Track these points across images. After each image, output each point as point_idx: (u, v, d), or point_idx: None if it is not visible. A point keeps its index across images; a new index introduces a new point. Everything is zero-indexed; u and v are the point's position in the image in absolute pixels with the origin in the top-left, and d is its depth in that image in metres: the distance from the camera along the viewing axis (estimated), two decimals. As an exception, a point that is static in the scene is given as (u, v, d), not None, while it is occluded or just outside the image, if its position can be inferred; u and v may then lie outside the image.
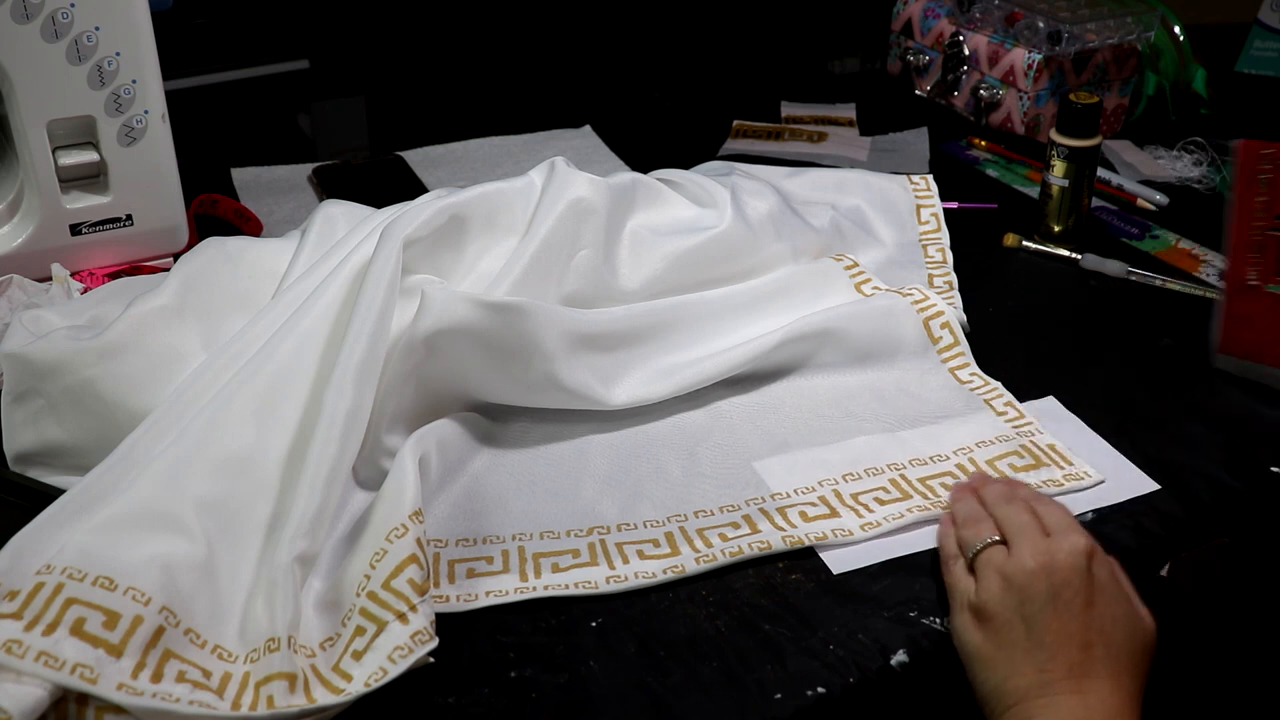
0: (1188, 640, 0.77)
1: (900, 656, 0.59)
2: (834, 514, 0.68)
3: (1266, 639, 0.82)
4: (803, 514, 0.67)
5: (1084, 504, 0.69)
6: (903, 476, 0.70)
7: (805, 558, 0.65)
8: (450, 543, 0.65)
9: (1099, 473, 0.71)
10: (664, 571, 0.63)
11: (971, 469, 0.71)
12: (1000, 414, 0.76)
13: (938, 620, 0.61)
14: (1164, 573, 0.69)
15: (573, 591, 0.62)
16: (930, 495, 0.69)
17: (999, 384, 0.78)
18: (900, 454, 0.72)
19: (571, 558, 0.64)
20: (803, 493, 0.69)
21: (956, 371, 0.80)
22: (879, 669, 0.59)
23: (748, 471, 0.71)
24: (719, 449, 0.73)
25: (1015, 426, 0.75)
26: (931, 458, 0.72)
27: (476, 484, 0.69)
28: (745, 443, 0.73)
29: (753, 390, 0.78)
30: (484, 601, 0.61)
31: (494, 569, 0.63)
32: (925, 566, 0.65)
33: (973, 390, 0.78)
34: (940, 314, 0.81)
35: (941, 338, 0.81)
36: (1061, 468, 0.72)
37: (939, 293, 0.85)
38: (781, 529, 0.66)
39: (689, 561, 0.64)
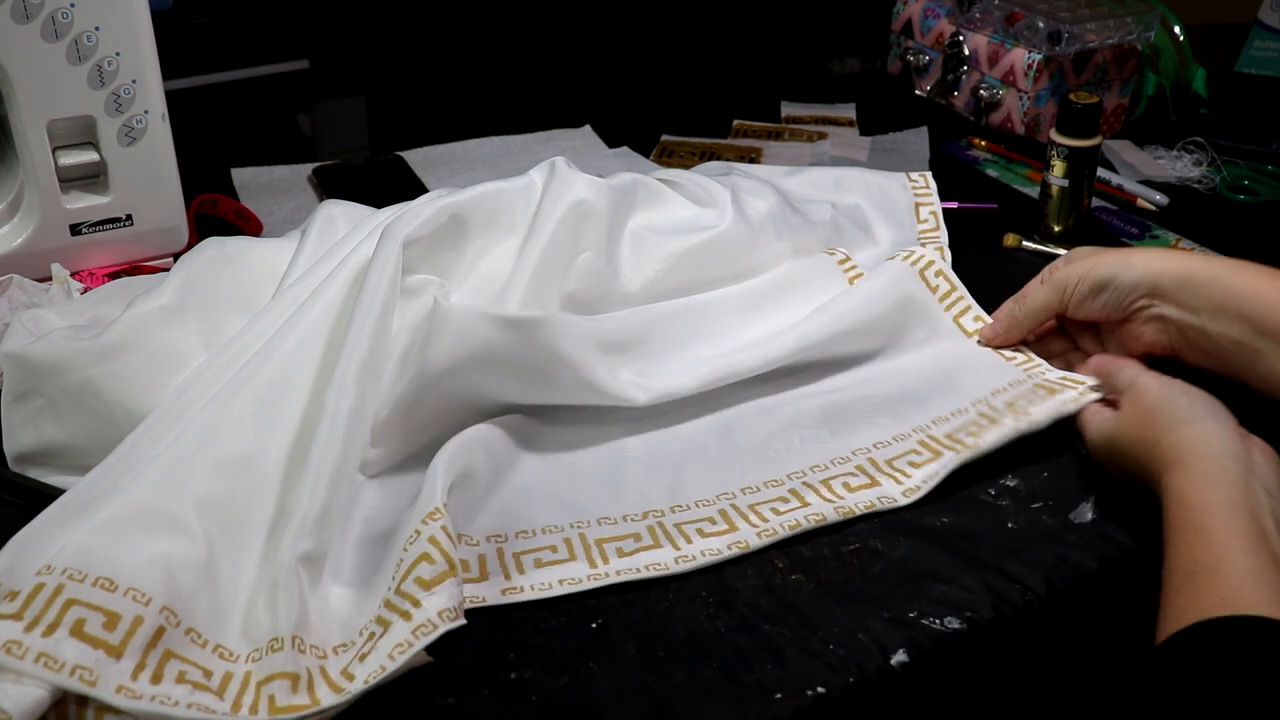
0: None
1: (900, 656, 0.59)
2: (874, 483, 0.69)
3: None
4: (845, 484, 0.69)
5: (1087, 510, 0.69)
6: (930, 437, 0.72)
7: (805, 557, 0.65)
8: (509, 536, 0.65)
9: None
10: (728, 548, 0.64)
11: (992, 413, 0.73)
12: (1009, 359, 0.78)
13: (938, 620, 0.61)
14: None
15: (645, 574, 0.63)
16: (961, 446, 0.71)
17: None
18: (922, 416, 0.74)
19: (634, 541, 0.65)
20: (839, 463, 0.71)
21: (960, 319, 0.81)
22: (879, 669, 0.59)
23: (784, 447, 0.72)
24: (752, 427, 0.74)
25: (1025, 369, 0.77)
26: (952, 413, 0.74)
27: (523, 480, 0.70)
28: (777, 419, 0.74)
29: (774, 376, 0.78)
30: (558, 590, 0.62)
31: (560, 557, 0.64)
32: (925, 567, 0.65)
33: (979, 342, 0.80)
34: (931, 263, 0.82)
35: (939, 286, 0.82)
36: (1073, 388, 0.74)
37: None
38: (830, 500, 0.68)
39: (750, 536, 0.65)
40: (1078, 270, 0.75)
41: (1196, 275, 0.71)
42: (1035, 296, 0.77)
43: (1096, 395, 0.73)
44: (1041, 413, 0.72)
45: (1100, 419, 0.70)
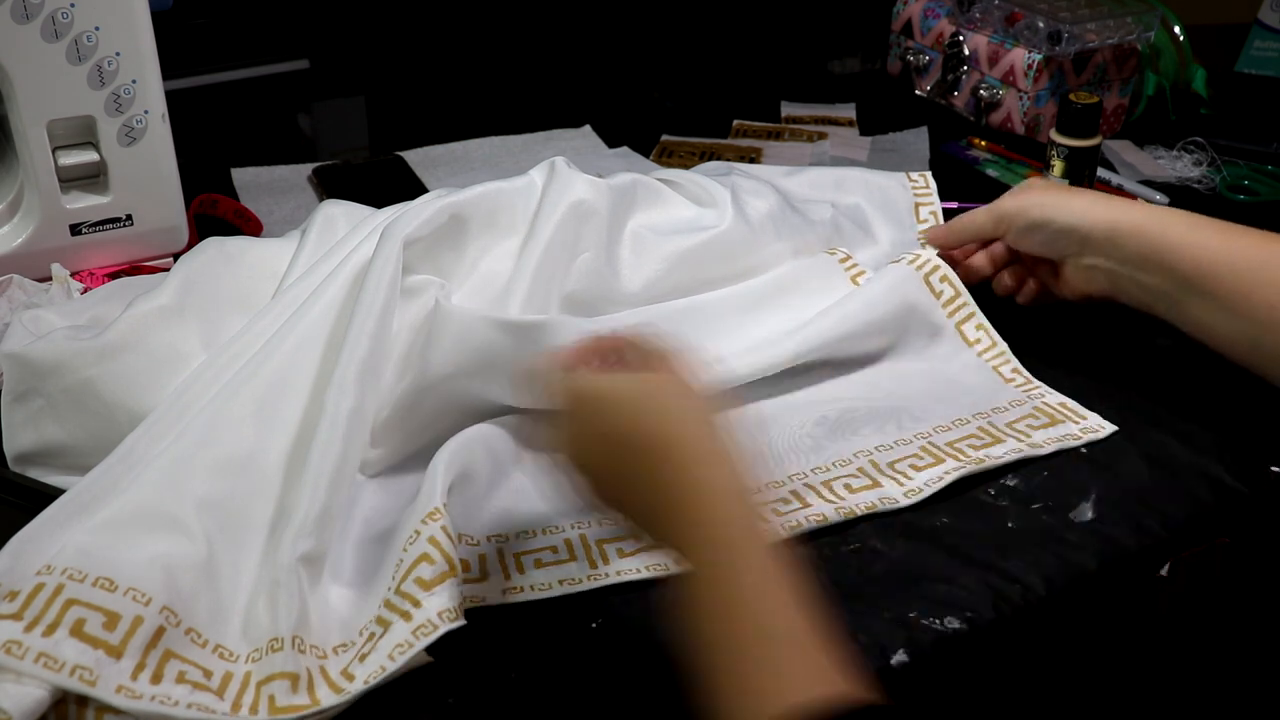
0: (1187, 640, 0.77)
1: (900, 656, 0.59)
2: (876, 484, 0.69)
3: (1266, 639, 0.82)
4: (847, 486, 0.69)
5: (1087, 510, 0.69)
6: (931, 444, 0.73)
7: (805, 557, 0.65)
8: (510, 536, 0.65)
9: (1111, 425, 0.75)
10: None
11: (994, 430, 0.74)
12: (1008, 380, 0.79)
13: (938, 620, 0.61)
14: (1164, 573, 0.69)
15: (645, 575, 0.63)
16: (962, 456, 0.71)
17: (1005, 346, 0.81)
18: (923, 422, 0.75)
19: (634, 541, 0.65)
20: (841, 465, 0.71)
21: (962, 326, 0.82)
22: (879, 669, 0.59)
23: (784, 449, 0.72)
24: (752, 430, 0.73)
25: (1025, 391, 0.78)
26: (954, 422, 0.75)
27: (523, 480, 0.70)
28: (777, 422, 0.75)
29: (776, 378, 0.78)
30: (558, 590, 0.62)
31: (560, 558, 0.64)
32: (925, 567, 0.65)
33: (980, 354, 0.81)
34: (936, 267, 0.82)
35: (943, 291, 0.82)
36: (1076, 423, 0.75)
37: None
38: (831, 501, 0.68)
39: None
40: (1019, 204, 0.77)
41: (1123, 227, 0.73)
42: (975, 216, 0.80)
43: (1100, 435, 0.74)
44: (1044, 439, 0.73)
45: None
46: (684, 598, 0.49)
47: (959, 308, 0.82)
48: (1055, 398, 0.77)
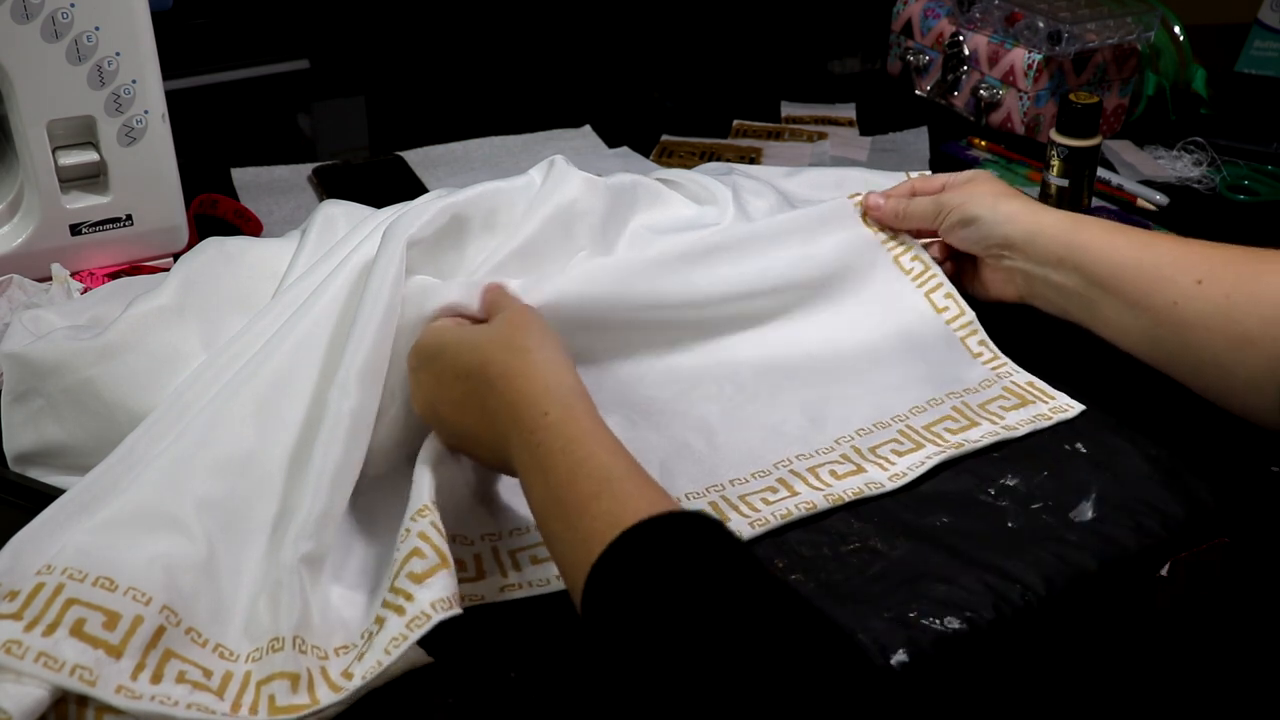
0: (1187, 640, 0.77)
1: (900, 656, 0.59)
2: (860, 470, 0.70)
3: (1266, 639, 0.82)
4: (832, 472, 0.70)
5: (1087, 509, 0.69)
6: (909, 427, 0.74)
7: (805, 557, 0.65)
8: (504, 534, 0.65)
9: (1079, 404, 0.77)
10: None
11: (969, 412, 0.75)
12: (976, 355, 0.80)
13: (938, 620, 0.61)
14: (1164, 573, 0.69)
15: None
16: (941, 440, 0.72)
17: (973, 315, 0.82)
18: (899, 404, 0.75)
19: None
20: (823, 452, 0.72)
21: (931, 295, 0.82)
22: (879, 669, 0.59)
23: (767, 438, 0.73)
24: (733, 421, 0.74)
25: (994, 369, 0.79)
26: (929, 402, 0.76)
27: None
28: (755, 413, 0.75)
29: (748, 360, 0.79)
30: (555, 586, 0.62)
31: None
32: (925, 567, 0.65)
33: (948, 322, 0.82)
34: (909, 248, 0.84)
35: (912, 269, 0.83)
36: (1045, 402, 0.77)
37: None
38: (819, 489, 0.68)
39: (744, 527, 0.66)
40: (958, 198, 0.80)
41: (1045, 230, 0.76)
42: (919, 205, 0.83)
43: (1070, 414, 0.76)
44: (1017, 420, 0.75)
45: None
46: (528, 475, 0.57)
47: (928, 278, 0.83)
48: (1023, 376, 0.79)
